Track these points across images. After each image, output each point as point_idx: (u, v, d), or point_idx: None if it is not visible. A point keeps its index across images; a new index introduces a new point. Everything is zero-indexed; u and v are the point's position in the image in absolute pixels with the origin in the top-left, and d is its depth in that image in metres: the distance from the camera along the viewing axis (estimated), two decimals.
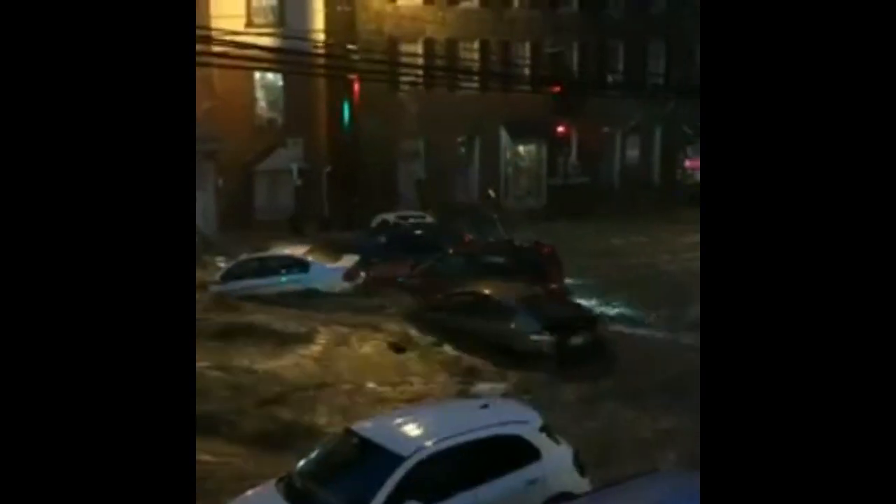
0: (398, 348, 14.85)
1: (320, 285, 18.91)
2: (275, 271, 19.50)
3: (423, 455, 8.01)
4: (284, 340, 14.67)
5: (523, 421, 8.87)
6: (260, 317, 15.90)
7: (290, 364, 13.80)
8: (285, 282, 19.09)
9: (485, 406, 9.20)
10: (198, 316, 15.60)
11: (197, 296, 17.60)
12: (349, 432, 8.90)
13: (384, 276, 19.61)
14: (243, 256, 20.63)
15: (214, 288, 19.01)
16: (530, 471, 8.41)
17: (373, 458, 8.22)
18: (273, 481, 8.57)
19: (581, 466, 8.81)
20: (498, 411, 9.14)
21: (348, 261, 19.96)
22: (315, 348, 14.58)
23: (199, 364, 13.15)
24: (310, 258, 19.81)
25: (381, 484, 7.75)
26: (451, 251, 20.72)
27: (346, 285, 19.19)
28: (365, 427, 8.92)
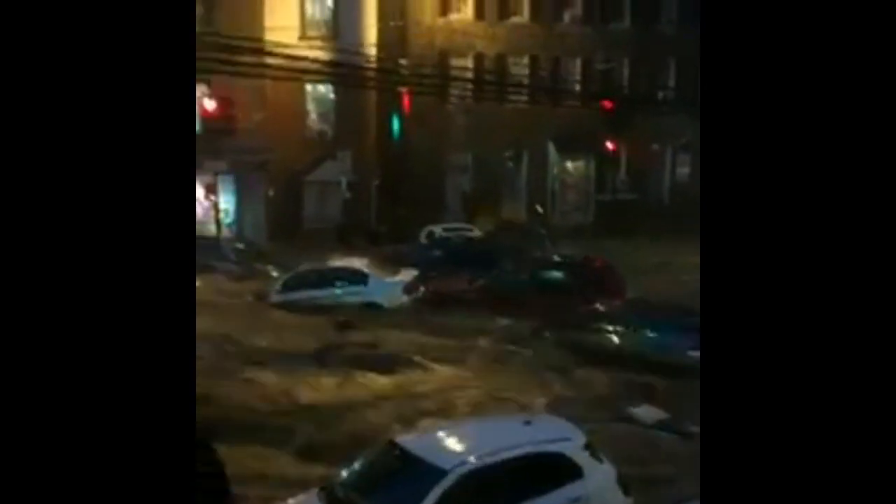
0: (547, 366, 14.62)
1: (380, 298, 18.98)
2: (333, 283, 19.57)
3: (464, 469, 7.98)
4: (433, 362, 14.66)
5: (566, 438, 8.80)
6: (385, 336, 15.97)
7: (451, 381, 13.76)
8: (341, 294, 19.20)
9: (528, 423, 9.15)
10: (327, 338, 15.85)
11: (284, 312, 17.99)
12: (392, 444, 8.91)
13: (441, 290, 19.55)
14: (303, 267, 20.74)
15: (275, 298, 19.31)
16: (573, 489, 8.32)
17: (415, 470, 8.21)
18: (315, 490, 8.60)
19: (625, 486, 8.71)
20: (541, 428, 9.08)
21: (406, 274, 19.97)
22: (463, 370, 14.45)
23: (361, 383, 13.46)
24: (368, 271, 19.89)
25: (422, 497, 7.74)
26: (508, 267, 20.58)
27: (405, 299, 19.18)
28: (407, 440, 8.93)
